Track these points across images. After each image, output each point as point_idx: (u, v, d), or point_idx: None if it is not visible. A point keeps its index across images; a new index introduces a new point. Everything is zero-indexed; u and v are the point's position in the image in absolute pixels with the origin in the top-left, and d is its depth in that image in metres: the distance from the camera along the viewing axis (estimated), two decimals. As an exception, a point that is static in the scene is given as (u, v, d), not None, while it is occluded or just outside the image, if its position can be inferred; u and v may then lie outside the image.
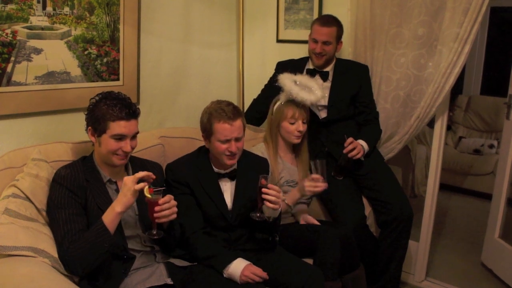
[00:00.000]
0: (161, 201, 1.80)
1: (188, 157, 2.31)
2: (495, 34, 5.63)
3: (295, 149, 2.63)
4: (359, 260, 2.43)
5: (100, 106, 1.89)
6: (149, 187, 1.79)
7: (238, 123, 2.13)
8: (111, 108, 1.87)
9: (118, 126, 1.87)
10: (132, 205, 1.82)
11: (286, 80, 2.56)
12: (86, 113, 1.95)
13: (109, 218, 1.78)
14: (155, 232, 1.86)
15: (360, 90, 2.79)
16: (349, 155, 2.61)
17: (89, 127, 1.93)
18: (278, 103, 2.58)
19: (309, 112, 2.66)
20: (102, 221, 1.77)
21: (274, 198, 2.04)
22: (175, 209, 1.87)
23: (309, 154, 2.67)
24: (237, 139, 2.14)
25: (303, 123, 2.52)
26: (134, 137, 1.94)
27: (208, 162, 2.25)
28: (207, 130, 2.17)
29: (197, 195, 2.18)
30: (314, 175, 2.34)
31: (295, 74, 2.60)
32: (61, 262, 1.74)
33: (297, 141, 2.53)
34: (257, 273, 1.99)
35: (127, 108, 1.89)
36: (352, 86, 2.78)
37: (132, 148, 1.93)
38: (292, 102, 2.51)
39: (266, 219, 2.12)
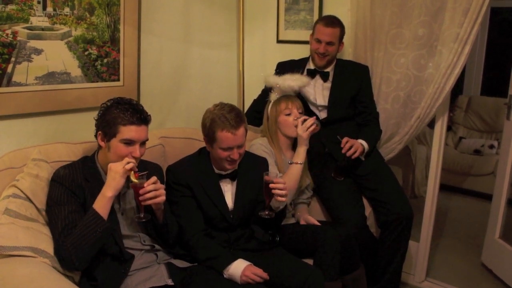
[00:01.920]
0: (146, 183, 1.83)
1: (188, 158, 2.30)
2: (495, 34, 5.63)
3: (295, 146, 2.64)
4: (359, 260, 2.43)
5: (112, 110, 1.90)
6: (134, 172, 1.83)
7: (241, 131, 2.13)
8: (123, 112, 1.88)
9: (129, 131, 1.87)
10: (122, 187, 1.84)
11: (270, 79, 2.66)
12: (96, 118, 1.96)
13: (100, 204, 1.79)
14: (142, 215, 1.90)
15: (360, 91, 2.79)
16: (347, 153, 2.60)
17: (99, 132, 1.93)
18: (270, 104, 2.62)
19: (308, 112, 2.70)
20: (93, 209, 1.78)
21: (283, 191, 2.05)
22: (162, 191, 1.89)
23: (309, 154, 2.68)
24: (239, 147, 2.14)
25: (299, 113, 2.54)
26: (143, 143, 1.94)
27: (209, 163, 2.25)
28: (209, 136, 2.15)
29: (198, 196, 2.18)
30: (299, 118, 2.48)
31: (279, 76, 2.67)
32: (57, 258, 1.74)
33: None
34: (257, 273, 1.99)
35: (139, 114, 1.90)
36: (352, 86, 2.79)
37: (141, 155, 1.93)
38: (282, 96, 2.58)
39: (271, 216, 2.13)
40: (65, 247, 1.73)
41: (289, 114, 2.53)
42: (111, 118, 1.88)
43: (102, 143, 1.93)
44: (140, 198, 1.85)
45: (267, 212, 2.12)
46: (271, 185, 2.04)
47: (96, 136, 1.95)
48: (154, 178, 1.87)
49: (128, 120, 1.87)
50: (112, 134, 1.88)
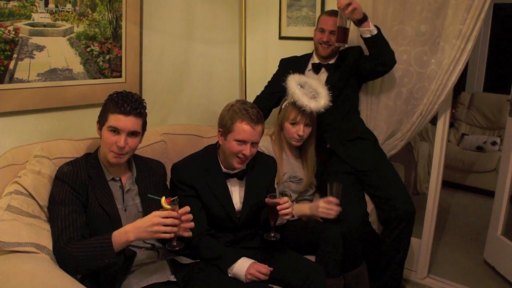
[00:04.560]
0: (180, 211, 1.78)
1: (194, 157, 2.25)
2: (498, 31, 5.61)
3: (300, 148, 2.63)
4: (361, 257, 2.43)
5: (107, 102, 1.94)
6: (165, 198, 1.80)
7: (260, 128, 2.11)
8: (115, 102, 1.90)
9: (115, 119, 1.88)
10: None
11: (292, 81, 2.56)
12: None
13: (119, 240, 1.74)
14: (175, 244, 1.84)
15: (360, 59, 2.77)
16: (346, 12, 2.46)
17: (97, 121, 1.97)
18: (285, 103, 2.57)
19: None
20: (110, 238, 1.74)
21: (290, 209, 2.04)
22: (192, 223, 1.84)
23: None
24: (253, 144, 2.11)
25: (306, 126, 2.50)
26: (132, 134, 1.92)
27: (217, 161, 2.21)
28: (226, 127, 2.11)
29: (203, 197, 2.15)
30: (331, 198, 2.30)
31: (306, 76, 2.63)
32: (54, 257, 1.75)
33: (296, 143, 2.53)
34: (262, 270, 1.98)
35: (129, 105, 1.90)
36: (350, 65, 2.76)
37: (130, 147, 1.92)
38: (297, 105, 2.49)
39: (277, 237, 2.10)
40: (66, 253, 1.73)
41: (294, 124, 2.50)
42: (106, 107, 1.92)
43: (98, 132, 1.96)
44: (175, 229, 1.78)
45: (273, 234, 2.09)
46: (278, 207, 2.01)
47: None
48: (187, 208, 1.82)
49: (116, 109, 1.88)
50: (103, 122, 1.92)
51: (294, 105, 2.49)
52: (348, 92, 2.80)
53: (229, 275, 2.01)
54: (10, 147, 2.05)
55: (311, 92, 2.53)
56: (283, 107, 2.58)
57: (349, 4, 2.45)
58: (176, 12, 2.98)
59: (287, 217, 2.06)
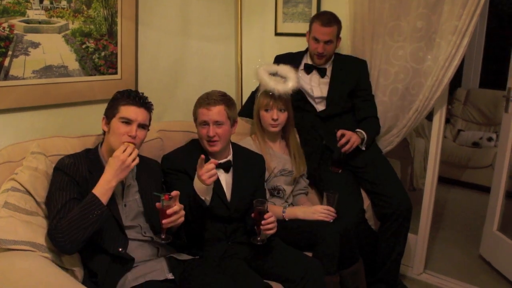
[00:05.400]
0: (169, 210, 1.85)
1: (182, 148, 2.35)
2: (494, 26, 5.61)
3: (284, 137, 2.65)
4: (357, 254, 2.43)
5: (117, 96, 2.01)
6: (164, 194, 1.87)
7: (218, 108, 2.19)
8: (126, 96, 1.99)
9: (127, 110, 1.96)
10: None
11: (261, 69, 2.62)
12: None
13: (102, 190, 1.80)
14: (163, 237, 1.93)
15: (358, 85, 2.79)
16: (342, 150, 2.61)
17: (103, 117, 2.02)
18: (259, 92, 2.62)
19: (308, 105, 2.76)
20: (92, 193, 1.79)
21: (273, 224, 2.07)
22: (183, 212, 1.91)
23: (307, 147, 2.72)
24: (217, 124, 2.19)
25: (280, 111, 2.53)
26: (142, 126, 1.99)
27: (203, 151, 2.25)
28: (194, 116, 2.29)
29: None
30: (330, 207, 2.39)
31: (278, 65, 2.64)
32: (49, 238, 1.74)
33: (273, 129, 2.55)
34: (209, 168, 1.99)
35: (140, 99, 2.00)
36: (350, 81, 2.78)
37: (139, 138, 1.98)
38: (269, 92, 2.55)
39: (264, 242, 2.13)
40: (59, 227, 1.71)
41: (267, 110, 2.53)
42: (115, 102, 1.99)
43: (105, 128, 2.00)
44: (164, 221, 1.86)
45: (258, 238, 2.11)
46: (263, 222, 2.05)
47: (102, 122, 2.03)
48: (180, 206, 1.90)
49: (128, 100, 1.97)
50: (113, 115, 1.97)
51: (267, 92, 2.55)
52: (347, 96, 2.83)
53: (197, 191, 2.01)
54: (5, 144, 2.04)
55: (282, 78, 2.58)
56: (258, 96, 2.62)
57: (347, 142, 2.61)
58: (171, 8, 2.97)
59: (271, 232, 2.08)
